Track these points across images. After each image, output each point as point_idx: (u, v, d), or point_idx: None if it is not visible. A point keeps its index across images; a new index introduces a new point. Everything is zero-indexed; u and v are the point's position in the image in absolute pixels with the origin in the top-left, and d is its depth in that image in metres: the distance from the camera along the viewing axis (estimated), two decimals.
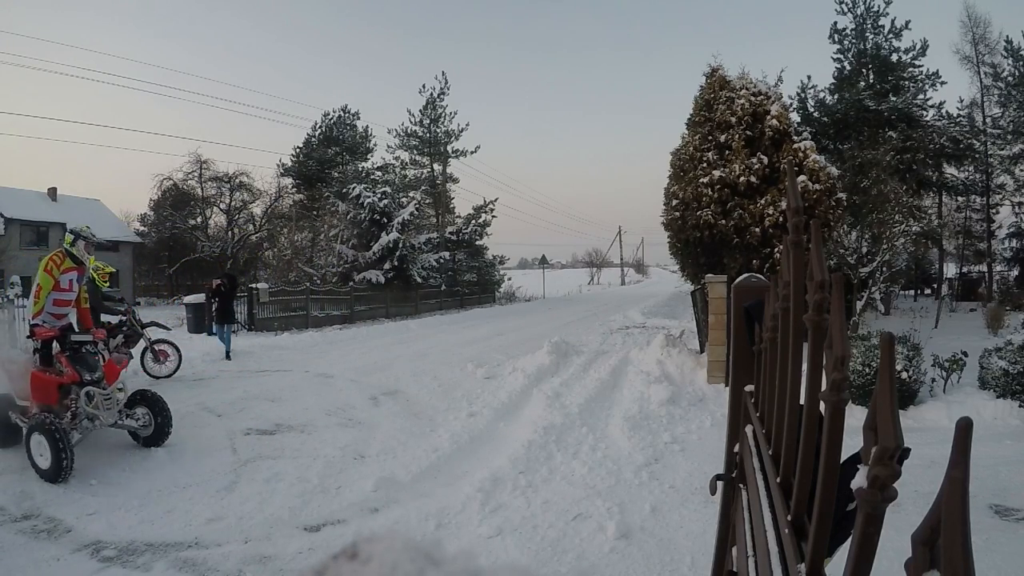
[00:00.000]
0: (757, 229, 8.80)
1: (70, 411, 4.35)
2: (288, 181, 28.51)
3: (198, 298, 14.34)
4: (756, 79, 9.82)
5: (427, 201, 27.63)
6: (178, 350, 7.91)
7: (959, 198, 20.77)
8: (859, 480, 0.47)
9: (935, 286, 21.32)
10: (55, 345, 4.51)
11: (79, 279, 4.85)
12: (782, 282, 0.95)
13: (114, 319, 7.50)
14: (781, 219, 8.38)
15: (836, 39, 20.26)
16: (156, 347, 7.73)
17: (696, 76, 18.78)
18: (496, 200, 28.14)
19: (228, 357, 9.20)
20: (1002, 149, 19.62)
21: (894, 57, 19.43)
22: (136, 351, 7.46)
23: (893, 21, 19.38)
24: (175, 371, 7.74)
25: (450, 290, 24.99)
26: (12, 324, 8.96)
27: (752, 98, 9.32)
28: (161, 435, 4.67)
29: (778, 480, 0.86)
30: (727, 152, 9.24)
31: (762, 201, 8.84)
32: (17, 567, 2.89)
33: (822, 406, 0.63)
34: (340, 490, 3.91)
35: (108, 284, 7.61)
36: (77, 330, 4.78)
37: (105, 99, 79.94)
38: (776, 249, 8.58)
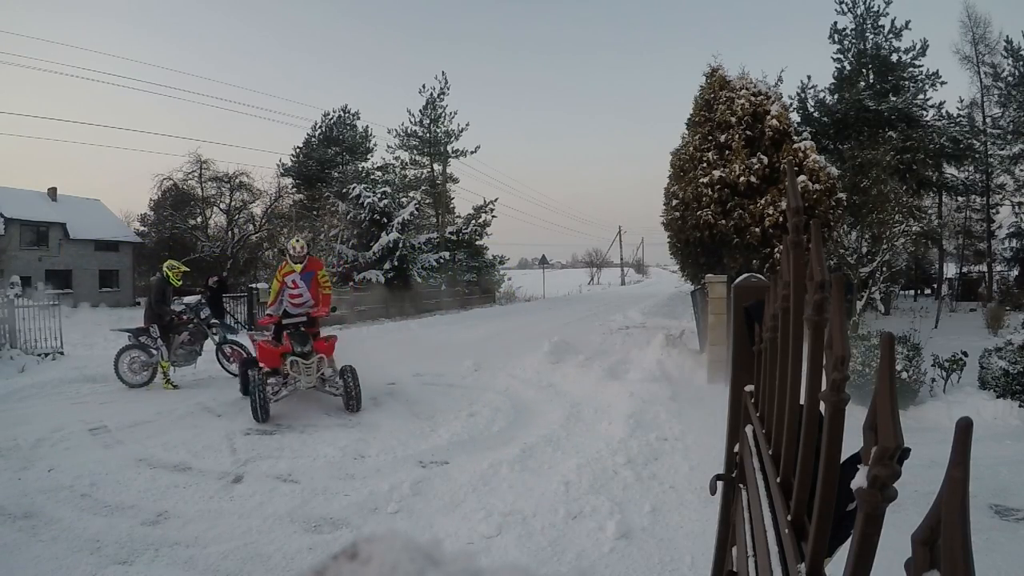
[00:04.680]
0: (757, 229, 8.80)
1: (282, 373, 5.77)
2: (288, 181, 28.53)
3: (196, 299, 14.36)
4: (756, 79, 9.82)
5: (427, 201, 27.67)
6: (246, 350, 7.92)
7: (959, 198, 20.78)
8: (859, 480, 0.47)
9: (935, 286, 21.32)
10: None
11: (302, 278, 6.23)
12: (782, 282, 0.95)
13: (192, 300, 7.82)
14: (781, 219, 8.38)
15: (836, 39, 20.27)
16: (226, 348, 7.85)
17: (696, 76, 18.80)
18: (496, 200, 28.17)
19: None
20: (1002, 149, 19.62)
21: (894, 57, 19.44)
22: (201, 348, 7.73)
23: (893, 21, 19.41)
24: None
25: (450, 290, 25.00)
26: (13, 323, 8.97)
27: (752, 98, 9.31)
28: (350, 400, 5.85)
29: (778, 480, 0.86)
30: (727, 152, 9.24)
31: (762, 201, 8.84)
32: None
33: (822, 406, 0.63)
34: (340, 490, 3.91)
35: (181, 282, 7.68)
36: (307, 315, 6.13)
37: (105, 99, 79.86)
38: (776, 249, 8.58)
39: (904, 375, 5.32)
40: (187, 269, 7.83)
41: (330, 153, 27.83)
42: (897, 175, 15.13)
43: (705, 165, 9.28)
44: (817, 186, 8.73)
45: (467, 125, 32.17)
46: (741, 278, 1.91)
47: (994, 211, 20.35)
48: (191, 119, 69.19)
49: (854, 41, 20.05)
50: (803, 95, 19.86)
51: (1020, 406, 5.19)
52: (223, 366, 7.81)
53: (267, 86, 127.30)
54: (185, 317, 7.58)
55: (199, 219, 28.17)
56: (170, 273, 7.46)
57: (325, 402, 6.28)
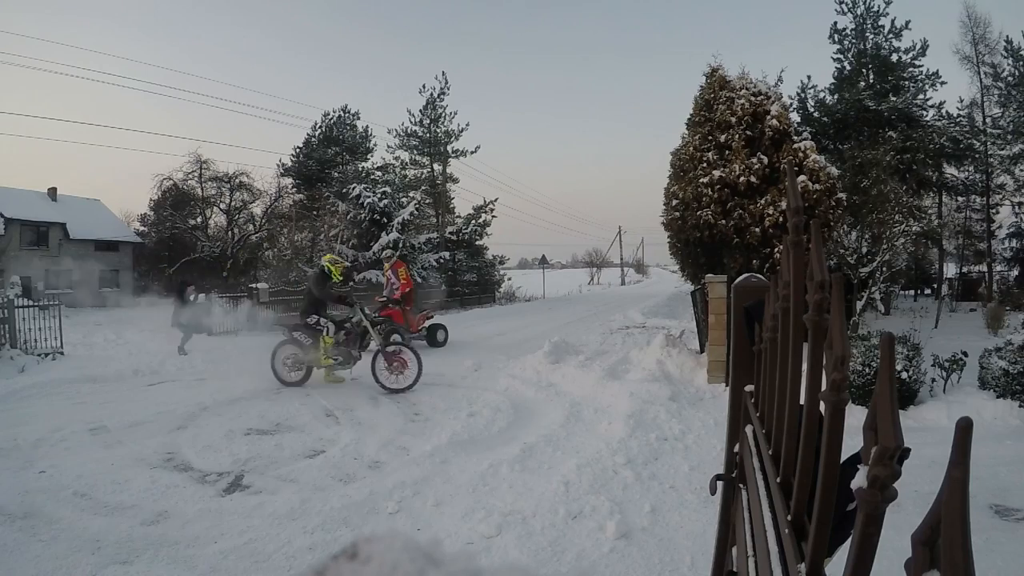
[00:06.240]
0: (757, 229, 8.79)
1: None
2: (288, 181, 28.49)
3: (199, 297, 14.40)
4: (756, 79, 9.81)
5: (427, 201, 27.64)
6: (417, 357, 6.84)
7: (959, 198, 20.76)
8: (859, 480, 0.47)
9: (935, 286, 21.31)
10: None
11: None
12: (782, 282, 0.95)
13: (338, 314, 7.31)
14: (781, 219, 8.37)
15: (836, 39, 20.26)
16: (390, 352, 6.82)
17: (696, 76, 18.80)
18: (496, 200, 28.18)
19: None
20: (1002, 149, 19.60)
21: (894, 57, 19.43)
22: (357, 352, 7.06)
23: (893, 21, 19.40)
24: (413, 383, 6.71)
25: (450, 290, 24.99)
26: (13, 323, 8.97)
27: (752, 98, 9.30)
28: None
29: (778, 480, 0.86)
30: (727, 152, 9.23)
31: (762, 201, 8.83)
32: None
33: (822, 406, 0.63)
34: (340, 490, 3.91)
35: (344, 278, 7.29)
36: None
37: (105, 99, 79.72)
38: (776, 249, 8.58)
39: (904, 375, 5.32)
40: (349, 264, 7.61)
41: (330, 153, 27.80)
42: (897, 175, 15.12)
43: (705, 165, 9.27)
44: (817, 186, 8.72)
45: (467, 125, 32.26)
46: (741, 278, 1.90)
47: (994, 211, 20.33)
48: (191, 119, 69.04)
49: (854, 41, 20.05)
50: (803, 95, 19.86)
51: (1020, 406, 5.19)
52: (376, 377, 6.61)
53: (267, 86, 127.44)
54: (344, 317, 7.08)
55: (199, 219, 28.12)
56: (333, 268, 7.05)
57: (323, 403, 6.29)
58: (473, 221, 27.38)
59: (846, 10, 19.95)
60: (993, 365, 5.48)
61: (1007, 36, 19.47)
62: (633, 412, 5.44)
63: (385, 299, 9.83)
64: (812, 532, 0.61)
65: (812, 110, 19.54)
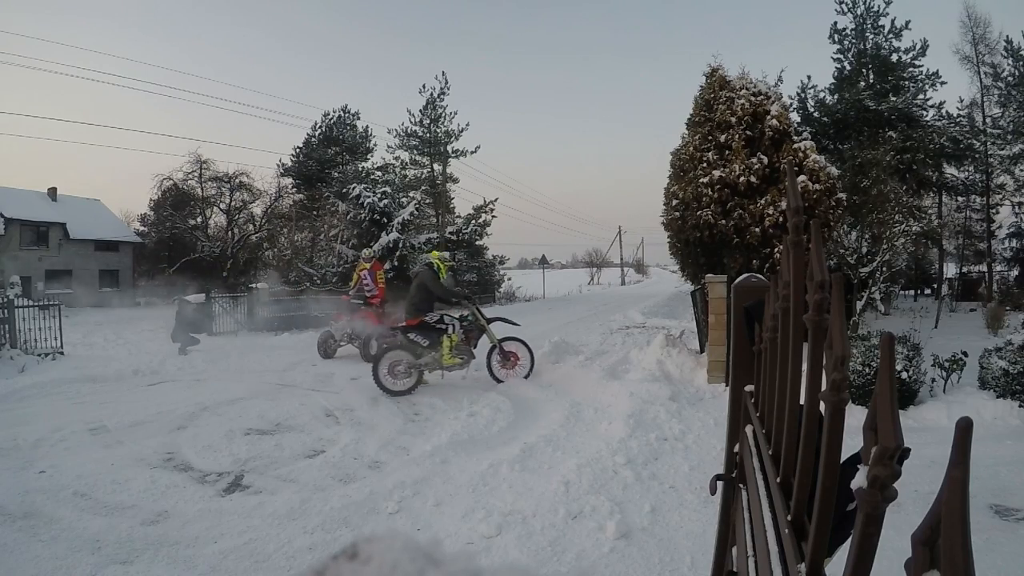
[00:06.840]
0: (757, 229, 8.78)
1: None
2: (288, 181, 28.48)
3: (199, 298, 14.40)
4: (756, 79, 9.81)
5: (427, 201, 27.62)
6: (530, 351, 7.04)
7: (959, 198, 20.77)
8: (859, 480, 0.47)
9: (935, 286, 21.31)
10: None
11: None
12: (782, 282, 0.95)
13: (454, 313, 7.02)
14: (781, 219, 8.37)
15: (836, 39, 20.27)
16: (505, 347, 6.94)
17: (696, 76, 18.82)
18: (496, 200, 28.14)
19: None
20: (1002, 149, 19.60)
21: (894, 57, 19.44)
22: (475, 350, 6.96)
23: (893, 21, 19.40)
24: (527, 376, 6.91)
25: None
26: (13, 323, 8.97)
27: (752, 98, 9.30)
28: None
29: (778, 480, 0.86)
30: (727, 152, 9.23)
31: (762, 201, 8.83)
32: None
33: (822, 406, 0.63)
34: (340, 490, 3.91)
35: (448, 275, 7.14)
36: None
37: (105, 99, 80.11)
38: (776, 249, 8.58)
39: (904, 375, 5.32)
40: (453, 263, 7.64)
41: (330, 153, 27.81)
42: (897, 175, 15.13)
43: (705, 165, 9.27)
44: (817, 186, 8.72)
45: (467, 125, 32.26)
46: (741, 278, 1.90)
47: (994, 211, 20.33)
48: (191, 119, 69.14)
49: (854, 41, 20.06)
50: (803, 95, 19.87)
51: (1020, 406, 5.18)
52: (492, 372, 6.84)
53: (267, 86, 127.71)
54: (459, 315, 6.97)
55: (199, 219, 28.10)
56: (442, 265, 6.97)
57: (323, 403, 6.28)
58: (473, 221, 27.35)
59: (846, 10, 19.97)
60: (993, 365, 5.47)
61: (1007, 36, 19.49)
62: (633, 412, 5.44)
63: (361, 300, 9.39)
64: (812, 532, 0.61)
65: (812, 110, 19.55)
